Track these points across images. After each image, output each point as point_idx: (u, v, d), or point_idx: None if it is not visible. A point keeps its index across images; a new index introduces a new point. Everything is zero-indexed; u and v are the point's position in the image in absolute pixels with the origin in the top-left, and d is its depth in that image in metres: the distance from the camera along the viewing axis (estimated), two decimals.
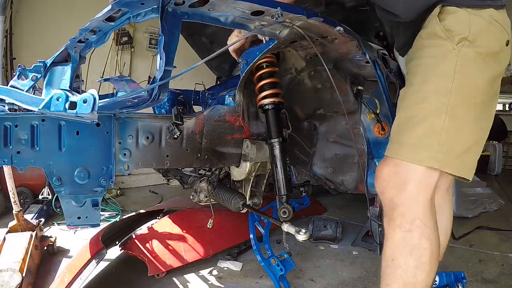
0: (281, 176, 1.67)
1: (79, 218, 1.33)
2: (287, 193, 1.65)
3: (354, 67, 1.88)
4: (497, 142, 6.19)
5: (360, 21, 2.04)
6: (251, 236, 1.97)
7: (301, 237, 1.39)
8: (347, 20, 2.03)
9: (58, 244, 2.19)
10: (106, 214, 3.14)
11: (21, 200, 2.87)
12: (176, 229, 2.09)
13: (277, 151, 1.70)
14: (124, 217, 2.58)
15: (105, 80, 1.37)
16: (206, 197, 2.00)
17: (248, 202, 1.91)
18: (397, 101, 1.19)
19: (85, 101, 0.90)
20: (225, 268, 2.01)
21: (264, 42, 1.46)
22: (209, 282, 1.85)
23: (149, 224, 2.23)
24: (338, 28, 1.39)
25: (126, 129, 1.39)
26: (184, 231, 2.11)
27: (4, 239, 1.85)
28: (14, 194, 2.00)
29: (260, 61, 1.68)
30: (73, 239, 2.40)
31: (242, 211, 1.88)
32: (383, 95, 1.89)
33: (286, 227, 1.50)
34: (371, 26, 2.04)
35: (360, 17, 2.03)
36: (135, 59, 4.75)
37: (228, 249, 2.20)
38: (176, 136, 1.45)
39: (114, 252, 2.01)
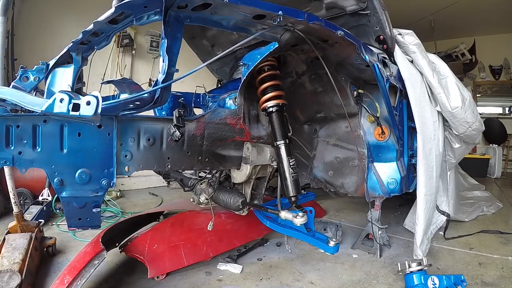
0: (288, 177, 1.67)
1: (79, 219, 1.34)
2: (295, 194, 1.66)
3: (355, 71, 1.89)
4: (497, 145, 6.19)
5: (361, 25, 2.05)
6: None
7: (299, 220, 1.41)
8: (348, 24, 2.05)
9: (58, 245, 2.19)
10: (106, 215, 3.15)
11: (21, 201, 2.87)
12: (176, 232, 2.08)
13: (283, 153, 1.70)
14: (124, 219, 2.58)
15: (108, 82, 1.38)
16: (207, 199, 2.00)
17: None
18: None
19: (88, 103, 0.90)
20: (225, 271, 2.00)
21: None
22: (209, 285, 1.85)
23: (149, 226, 2.23)
24: (339, 32, 1.40)
25: (127, 131, 1.40)
26: (184, 234, 2.10)
27: (4, 240, 1.85)
28: (14, 195, 2.00)
29: (261, 64, 1.68)
30: (73, 240, 2.40)
31: (241, 209, 1.88)
32: (383, 99, 1.90)
33: (283, 215, 1.52)
34: (371, 30, 2.05)
35: (361, 21, 2.04)
36: (136, 62, 4.77)
37: (228, 251, 2.19)
38: (177, 139, 1.45)
39: (114, 253, 2.01)
